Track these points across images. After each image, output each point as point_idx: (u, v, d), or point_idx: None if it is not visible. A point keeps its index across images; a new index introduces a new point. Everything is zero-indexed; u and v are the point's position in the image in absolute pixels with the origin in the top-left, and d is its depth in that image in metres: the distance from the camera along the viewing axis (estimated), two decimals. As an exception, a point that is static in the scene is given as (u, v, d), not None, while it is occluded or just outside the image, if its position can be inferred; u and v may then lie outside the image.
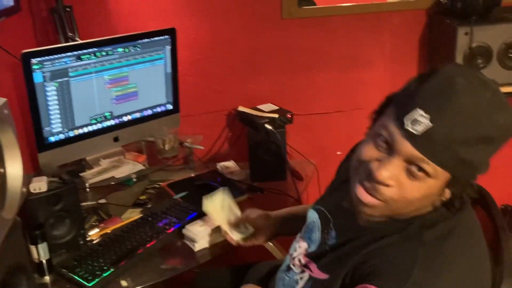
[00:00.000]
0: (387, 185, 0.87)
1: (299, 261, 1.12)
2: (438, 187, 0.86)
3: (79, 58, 1.66)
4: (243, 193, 1.78)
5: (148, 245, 1.47)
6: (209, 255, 1.48)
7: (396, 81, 2.26)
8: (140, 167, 1.86)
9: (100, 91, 1.76)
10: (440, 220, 0.90)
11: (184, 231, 1.51)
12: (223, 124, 2.10)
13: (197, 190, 1.79)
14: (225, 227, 1.36)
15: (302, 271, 1.09)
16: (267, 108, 1.93)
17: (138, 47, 1.80)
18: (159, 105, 1.95)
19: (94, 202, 1.74)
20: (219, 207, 1.36)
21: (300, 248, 1.14)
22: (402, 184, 0.86)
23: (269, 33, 2.06)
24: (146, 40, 1.80)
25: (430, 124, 0.81)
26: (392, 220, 0.93)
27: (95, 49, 1.69)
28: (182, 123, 2.03)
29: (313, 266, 1.06)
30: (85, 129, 1.77)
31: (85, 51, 1.66)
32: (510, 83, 1.85)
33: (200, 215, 1.59)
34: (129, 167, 1.84)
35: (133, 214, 1.66)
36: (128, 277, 1.38)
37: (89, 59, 1.68)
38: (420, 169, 0.84)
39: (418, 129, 0.82)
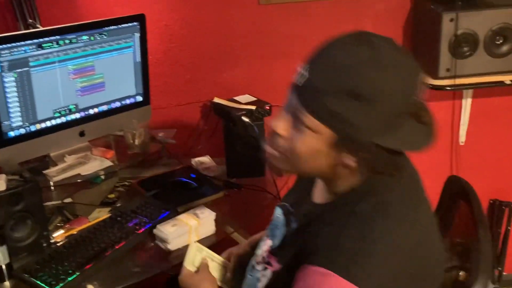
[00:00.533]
0: (279, 135, 0.97)
1: (263, 258, 1.16)
2: (323, 144, 0.93)
3: (40, 46, 1.64)
4: (219, 190, 1.78)
5: (117, 247, 1.47)
6: (183, 256, 1.48)
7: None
8: (108, 163, 1.86)
9: (64, 82, 1.75)
10: (372, 193, 0.96)
11: (155, 231, 1.51)
12: (197, 116, 2.10)
13: (170, 188, 1.80)
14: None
15: (265, 268, 1.13)
16: (244, 100, 1.94)
17: (104, 34, 1.79)
18: (128, 97, 1.94)
19: (58, 202, 1.73)
20: (198, 261, 1.34)
21: (264, 245, 1.18)
22: (292, 136, 0.95)
23: (245, 20, 2.06)
24: (113, 27, 1.80)
25: (308, 74, 0.91)
26: (334, 198, 1.01)
27: (58, 37, 1.67)
28: (153, 115, 2.02)
29: (273, 260, 1.10)
30: (48, 123, 1.76)
31: (46, 39, 1.65)
32: (497, 71, 1.89)
33: (173, 214, 1.60)
34: (97, 164, 1.84)
35: (101, 214, 1.66)
36: (95, 281, 1.38)
37: (51, 48, 1.67)
38: (304, 125, 0.92)
39: (300, 81, 0.92)
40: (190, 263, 1.31)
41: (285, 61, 2.10)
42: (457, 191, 1.25)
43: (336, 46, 0.91)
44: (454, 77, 1.86)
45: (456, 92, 2.02)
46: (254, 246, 1.35)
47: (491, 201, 2.36)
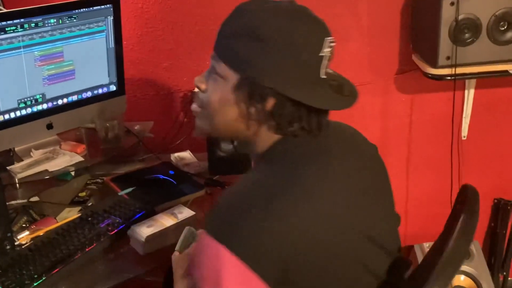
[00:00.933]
0: (200, 90, 1.10)
1: None
2: (230, 90, 1.04)
3: (2, 30, 1.64)
4: (200, 188, 1.80)
5: (87, 249, 1.48)
6: (159, 260, 1.50)
7: (376, 56, 2.32)
8: (79, 158, 1.86)
9: (29, 70, 1.75)
10: (274, 159, 1.06)
11: (129, 232, 1.53)
12: (177, 108, 2.12)
13: (146, 186, 1.81)
14: None
15: None
16: (228, 90, 1.95)
17: (74, 17, 1.79)
18: (101, 86, 1.95)
19: (24, 201, 1.75)
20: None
21: None
22: (208, 88, 1.09)
23: (227, 1, 2.06)
24: (84, 9, 1.80)
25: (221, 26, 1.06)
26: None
27: (22, 20, 1.67)
28: (129, 106, 2.04)
29: None
30: (12, 115, 1.76)
31: (10, 22, 1.65)
32: (501, 60, 1.91)
33: (148, 214, 1.61)
34: (66, 159, 1.84)
35: (71, 214, 1.68)
36: (65, 285, 1.39)
37: (15, 32, 1.67)
38: (215, 72, 1.05)
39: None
40: (182, 248, 1.32)
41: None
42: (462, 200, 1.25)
43: (250, 1, 1.06)
44: (455, 65, 1.87)
45: (458, 83, 2.03)
46: None
47: (495, 201, 2.38)
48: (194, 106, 1.14)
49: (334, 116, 1.10)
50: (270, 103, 1.02)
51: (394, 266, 1.11)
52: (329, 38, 1.02)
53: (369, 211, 1.09)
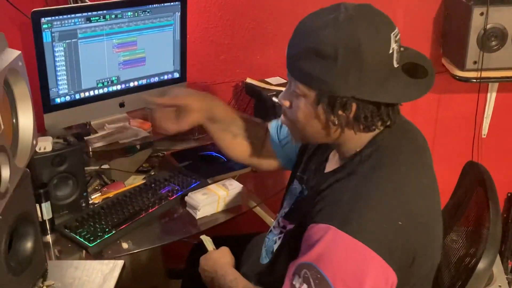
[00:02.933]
0: (285, 107, 1.05)
1: (278, 223, 1.23)
2: (311, 106, 0.99)
3: (88, 19, 1.68)
4: (246, 166, 1.82)
5: (150, 211, 1.52)
6: (210, 223, 1.53)
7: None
8: (144, 134, 1.89)
9: (108, 55, 1.78)
10: (374, 155, 1.00)
11: (186, 198, 1.56)
12: (229, 95, 2.13)
13: (200, 160, 1.83)
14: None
15: (281, 232, 1.20)
16: (275, 81, 1.97)
17: (148, 12, 1.81)
18: (166, 73, 1.97)
19: (97, 167, 1.78)
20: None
21: (282, 212, 1.25)
22: (292, 105, 1.03)
23: (280, 5, 2.07)
24: (156, 5, 1.82)
25: (288, 47, 1.00)
26: (343, 164, 1.04)
27: (105, 11, 1.70)
28: (189, 92, 2.06)
29: (286, 223, 1.18)
30: (91, 93, 1.79)
31: (94, 13, 1.68)
32: (524, 67, 1.88)
33: (203, 184, 1.65)
34: (134, 133, 1.88)
35: (136, 181, 1.71)
36: (129, 240, 1.43)
37: (98, 22, 1.70)
38: (296, 93, 1.00)
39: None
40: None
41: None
42: (474, 177, 1.26)
43: (308, 17, 0.99)
44: (481, 69, 1.85)
45: (482, 85, 2.01)
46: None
47: (509, 194, 2.35)
48: (283, 120, 1.09)
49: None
50: (352, 108, 0.96)
51: None
52: (394, 31, 0.94)
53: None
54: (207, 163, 1.83)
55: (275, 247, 1.20)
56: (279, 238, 1.20)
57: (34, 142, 0.99)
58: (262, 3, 2.08)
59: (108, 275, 1.13)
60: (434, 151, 1.10)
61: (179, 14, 1.89)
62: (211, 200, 1.55)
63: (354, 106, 0.96)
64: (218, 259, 1.30)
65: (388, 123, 1.00)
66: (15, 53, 0.92)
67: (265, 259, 1.27)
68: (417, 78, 0.98)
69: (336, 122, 0.98)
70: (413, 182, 0.99)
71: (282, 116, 1.10)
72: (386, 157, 0.99)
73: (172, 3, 1.86)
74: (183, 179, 1.68)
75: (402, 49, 0.97)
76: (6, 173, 0.84)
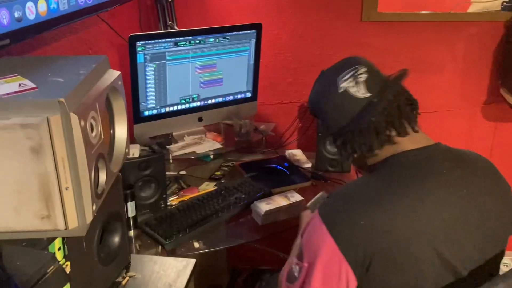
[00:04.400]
0: None
1: None
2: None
3: (176, 44, 1.73)
4: (307, 179, 1.80)
5: (219, 215, 1.53)
6: (272, 229, 1.52)
7: (467, 86, 2.20)
8: (218, 146, 1.92)
9: (191, 75, 1.82)
10: (375, 173, 1.06)
11: (252, 206, 1.56)
12: (294, 114, 2.13)
13: (265, 172, 1.83)
14: None
15: None
16: (338, 104, 1.94)
17: (227, 38, 1.84)
18: (240, 92, 1.99)
19: (175, 173, 1.82)
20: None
21: None
22: None
23: (346, 33, 2.06)
24: (235, 32, 1.85)
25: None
26: None
27: (190, 37, 1.75)
28: (258, 110, 2.07)
29: None
30: (175, 108, 1.84)
31: (181, 38, 1.73)
32: None
33: (266, 194, 1.64)
34: (209, 145, 1.91)
35: (209, 187, 1.73)
36: (200, 240, 1.45)
37: (184, 46, 1.75)
38: None
39: None
40: (312, 207, 1.35)
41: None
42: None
43: (323, 73, 1.16)
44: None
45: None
46: None
47: None
48: None
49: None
50: (343, 138, 1.07)
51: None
52: (342, 76, 1.07)
53: (459, 231, 0.96)
54: (271, 175, 1.83)
55: None
56: None
57: (127, 150, 1.03)
58: (330, 32, 2.08)
59: (181, 272, 1.15)
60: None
61: (254, 41, 1.91)
62: (274, 209, 1.54)
63: (345, 136, 1.06)
64: None
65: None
66: (116, 73, 0.97)
67: None
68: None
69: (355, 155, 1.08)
70: (400, 199, 0.95)
71: None
72: (388, 170, 1.02)
73: (248, 31, 1.89)
74: (250, 189, 1.68)
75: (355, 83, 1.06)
76: (103, 177, 0.88)
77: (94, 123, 0.83)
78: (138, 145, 1.54)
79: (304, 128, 2.12)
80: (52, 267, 0.73)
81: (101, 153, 0.86)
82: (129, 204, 1.47)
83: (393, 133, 1.03)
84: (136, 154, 1.51)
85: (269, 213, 1.53)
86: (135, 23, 1.95)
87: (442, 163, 1.00)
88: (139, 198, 1.53)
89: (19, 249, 0.74)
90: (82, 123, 0.78)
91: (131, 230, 1.49)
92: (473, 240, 0.97)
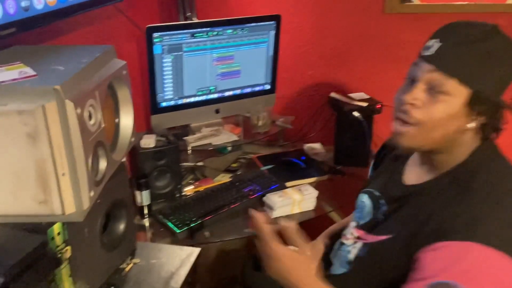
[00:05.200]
0: (414, 106, 0.92)
1: (351, 234, 1.14)
2: (460, 106, 0.90)
3: (193, 35, 1.72)
4: (324, 173, 1.78)
5: (232, 206, 1.54)
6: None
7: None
8: (235, 138, 1.91)
9: (208, 67, 1.81)
10: (482, 163, 0.93)
11: (264, 198, 1.56)
12: (314, 108, 2.09)
13: (282, 165, 1.82)
14: None
15: (354, 242, 1.11)
16: (358, 97, 1.90)
17: (245, 30, 1.82)
18: (258, 85, 1.97)
19: (192, 164, 1.83)
20: None
21: (350, 227, 1.17)
22: (427, 104, 0.91)
23: (367, 25, 2.00)
24: (253, 24, 1.83)
25: (440, 43, 0.90)
26: (437, 176, 0.96)
27: (208, 28, 1.74)
28: (277, 103, 2.05)
29: (366, 235, 1.08)
30: (192, 99, 1.84)
31: (199, 29, 1.72)
32: None
33: (281, 187, 1.63)
34: (226, 137, 1.90)
35: (224, 178, 1.74)
36: (211, 230, 1.45)
37: (201, 37, 1.74)
38: (440, 90, 0.90)
39: (432, 50, 0.91)
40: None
41: (398, 65, 2.00)
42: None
43: (458, 24, 0.93)
44: None
45: None
46: (332, 236, 1.33)
47: None
48: (405, 128, 0.94)
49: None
50: (494, 113, 0.92)
51: None
52: None
53: None
54: (288, 168, 1.81)
55: (351, 257, 1.10)
56: (354, 247, 1.11)
57: (133, 139, 1.04)
58: (352, 24, 2.03)
59: (185, 260, 1.16)
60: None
61: (274, 32, 1.89)
62: (286, 202, 1.53)
63: (497, 110, 0.92)
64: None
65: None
66: (121, 63, 0.98)
67: (338, 270, 1.15)
68: None
69: (474, 125, 0.92)
70: None
71: (396, 122, 0.96)
72: (494, 174, 0.92)
73: (267, 22, 1.86)
74: (264, 181, 1.67)
75: None
76: (103, 164, 0.89)
77: (92, 111, 0.84)
78: (154, 135, 1.56)
79: (323, 121, 2.08)
80: (43, 250, 0.74)
81: (100, 141, 0.87)
82: (143, 193, 1.48)
83: None
84: (152, 144, 1.53)
85: (280, 205, 1.52)
86: (155, 15, 1.96)
87: None
88: (154, 187, 1.54)
89: (9, 231, 0.75)
90: (79, 110, 0.78)
91: (145, 218, 1.50)
92: None
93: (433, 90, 0.91)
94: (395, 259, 0.96)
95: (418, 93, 0.92)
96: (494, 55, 0.89)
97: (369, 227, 1.09)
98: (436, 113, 0.90)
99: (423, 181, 1.00)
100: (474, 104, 0.89)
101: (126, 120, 1.01)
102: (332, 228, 1.41)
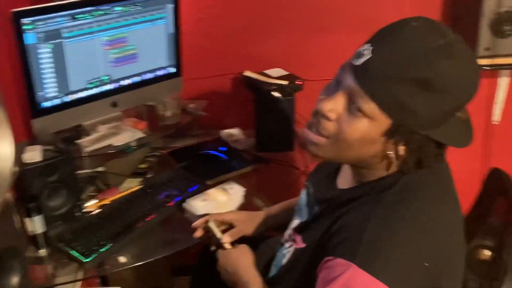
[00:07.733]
0: (328, 118, 0.89)
1: (289, 236, 1.16)
2: (377, 132, 0.87)
3: (74, 17, 1.60)
4: (248, 164, 1.76)
5: (147, 219, 1.47)
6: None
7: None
8: (140, 134, 1.82)
9: (97, 54, 1.71)
10: (401, 180, 0.92)
11: (185, 205, 1.51)
12: (228, 89, 2.06)
13: (200, 160, 1.78)
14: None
15: (290, 245, 1.13)
16: (276, 73, 1.87)
17: (138, 5, 1.73)
18: (160, 68, 1.90)
19: (91, 171, 1.72)
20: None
21: (292, 224, 1.18)
22: (342, 120, 0.89)
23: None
24: None
25: (371, 54, 0.84)
26: (360, 184, 0.97)
27: (91, 8, 1.62)
28: (185, 87, 1.98)
29: (298, 238, 1.09)
30: (82, 94, 1.72)
31: (80, 10, 1.60)
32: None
33: (202, 187, 1.59)
34: (129, 134, 1.81)
35: (132, 184, 1.66)
36: (127, 253, 1.38)
37: (84, 19, 1.62)
38: (359, 109, 0.86)
39: (360, 60, 0.85)
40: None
41: (318, 35, 2.02)
42: (496, 186, 1.18)
43: (405, 31, 0.84)
44: (493, 56, 1.76)
45: (493, 71, 1.92)
46: (286, 210, 1.36)
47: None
48: (315, 137, 0.93)
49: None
50: (417, 145, 0.88)
51: None
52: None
53: None
54: (207, 163, 1.78)
55: (284, 261, 1.14)
56: (288, 252, 1.13)
57: (16, 169, 0.91)
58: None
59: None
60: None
61: (172, 6, 1.81)
62: (210, 206, 1.50)
63: (423, 143, 0.88)
64: (239, 258, 1.23)
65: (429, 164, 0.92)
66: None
67: (271, 272, 1.21)
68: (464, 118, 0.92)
69: (392, 154, 0.89)
70: (442, 219, 0.91)
71: (308, 131, 0.94)
72: (414, 190, 0.91)
73: (163, -5, 1.77)
74: (182, 183, 1.62)
75: None
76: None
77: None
78: (39, 146, 1.44)
79: (240, 104, 2.04)
80: None
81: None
82: (35, 219, 1.37)
83: None
84: (38, 158, 1.41)
85: (205, 212, 1.47)
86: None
87: None
88: (48, 209, 1.43)
89: None
90: None
91: (42, 248, 1.39)
92: None
93: (354, 106, 0.87)
94: (306, 272, 0.99)
95: (336, 104, 0.89)
96: (432, 85, 0.81)
97: (301, 229, 1.11)
98: (350, 133, 0.88)
99: (348, 186, 1.01)
100: (393, 135, 0.87)
101: (3, 149, 0.88)
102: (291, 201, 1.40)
